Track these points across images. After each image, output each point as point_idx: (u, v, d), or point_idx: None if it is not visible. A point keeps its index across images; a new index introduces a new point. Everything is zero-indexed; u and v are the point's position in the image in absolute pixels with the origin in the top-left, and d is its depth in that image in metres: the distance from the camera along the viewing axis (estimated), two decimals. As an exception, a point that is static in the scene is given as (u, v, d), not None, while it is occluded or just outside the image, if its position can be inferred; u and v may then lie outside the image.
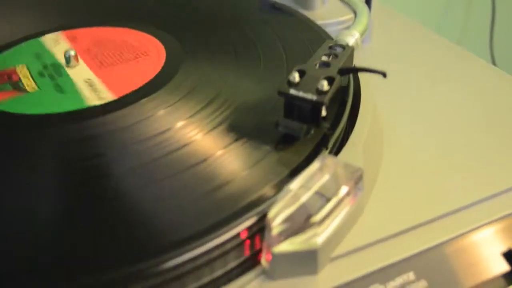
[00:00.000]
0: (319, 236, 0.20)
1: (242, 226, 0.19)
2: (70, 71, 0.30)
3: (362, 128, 0.25)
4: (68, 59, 0.30)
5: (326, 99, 0.22)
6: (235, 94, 0.27)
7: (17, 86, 0.29)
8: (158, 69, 0.30)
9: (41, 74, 0.30)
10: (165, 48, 0.32)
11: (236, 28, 0.34)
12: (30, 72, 0.30)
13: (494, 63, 0.85)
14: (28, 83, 0.29)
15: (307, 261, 0.20)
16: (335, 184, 0.21)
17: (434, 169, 0.26)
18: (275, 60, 0.30)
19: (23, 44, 0.34)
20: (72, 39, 0.34)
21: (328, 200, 0.21)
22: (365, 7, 0.32)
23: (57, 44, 0.34)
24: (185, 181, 0.21)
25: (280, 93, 0.23)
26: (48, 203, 0.21)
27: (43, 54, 0.32)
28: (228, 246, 0.19)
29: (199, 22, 0.36)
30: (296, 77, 0.23)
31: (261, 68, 0.30)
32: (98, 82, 0.29)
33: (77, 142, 0.24)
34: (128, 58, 0.32)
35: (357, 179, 0.22)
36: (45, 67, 0.31)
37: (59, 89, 0.29)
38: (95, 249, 0.18)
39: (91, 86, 0.29)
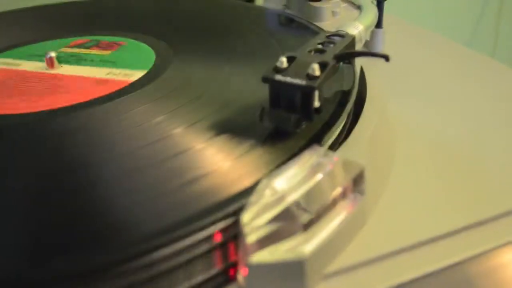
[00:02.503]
0: (307, 245, 0.16)
1: (208, 230, 0.16)
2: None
3: (367, 122, 0.21)
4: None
5: (317, 83, 0.19)
6: (222, 93, 0.24)
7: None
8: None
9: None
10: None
11: (230, 31, 0.32)
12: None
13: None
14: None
15: (293, 276, 0.16)
16: (329, 183, 0.18)
17: (457, 175, 0.22)
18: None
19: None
20: None
21: (320, 202, 0.17)
22: (372, 4, 0.29)
23: None
24: (144, 178, 0.17)
25: (265, 79, 0.19)
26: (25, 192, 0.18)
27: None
28: (193, 253, 0.15)
29: (191, 27, 0.34)
30: (283, 62, 0.20)
31: (254, 70, 0.27)
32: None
33: (60, 134, 0.22)
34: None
35: (356, 179, 0.18)
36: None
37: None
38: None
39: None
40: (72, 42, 0.32)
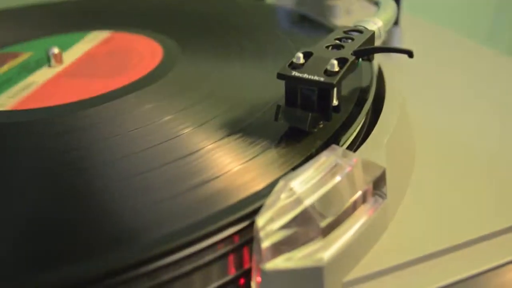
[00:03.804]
0: (325, 251, 0.15)
1: (220, 235, 0.15)
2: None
3: (387, 122, 0.20)
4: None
5: (336, 80, 0.18)
6: (234, 90, 0.23)
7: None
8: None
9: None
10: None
11: (243, 30, 0.31)
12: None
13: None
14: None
15: (310, 283, 0.15)
16: (349, 185, 0.17)
17: (479, 180, 0.21)
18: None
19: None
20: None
21: (339, 205, 0.16)
22: (391, 0, 0.28)
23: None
24: (152, 179, 0.17)
25: (281, 76, 0.18)
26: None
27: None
28: (204, 260, 0.15)
29: (201, 25, 0.33)
30: (300, 57, 0.19)
31: (267, 68, 0.26)
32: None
33: (60, 135, 0.21)
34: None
35: (377, 181, 0.17)
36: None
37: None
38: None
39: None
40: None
